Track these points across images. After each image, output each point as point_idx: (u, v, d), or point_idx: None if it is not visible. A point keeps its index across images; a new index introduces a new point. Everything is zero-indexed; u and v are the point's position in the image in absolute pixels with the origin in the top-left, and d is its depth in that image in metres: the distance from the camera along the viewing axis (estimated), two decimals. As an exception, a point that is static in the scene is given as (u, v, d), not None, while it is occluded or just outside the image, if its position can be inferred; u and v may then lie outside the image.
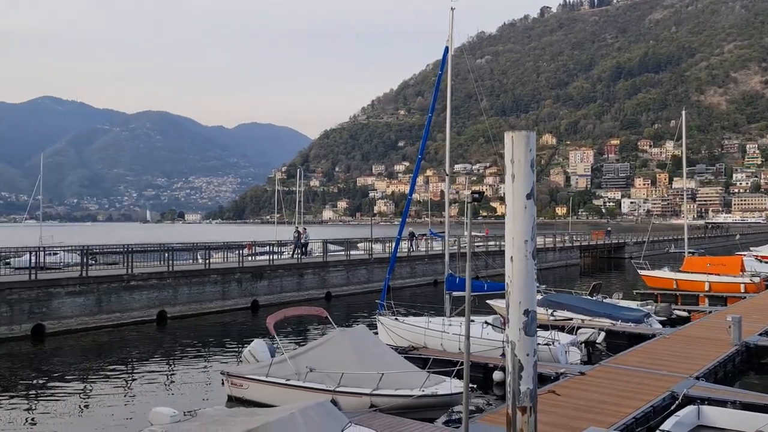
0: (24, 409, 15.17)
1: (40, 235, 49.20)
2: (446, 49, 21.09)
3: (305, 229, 40.52)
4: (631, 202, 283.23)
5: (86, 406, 15.42)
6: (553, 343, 16.81)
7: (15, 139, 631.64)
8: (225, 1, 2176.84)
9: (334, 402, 11.81)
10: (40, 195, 57.97)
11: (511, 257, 7.93)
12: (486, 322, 18.08)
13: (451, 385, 12.92)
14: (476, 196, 9.60)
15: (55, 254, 32.35)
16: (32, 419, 14.37)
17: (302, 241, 38.08)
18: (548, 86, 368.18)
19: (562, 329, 18.75)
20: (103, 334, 24.24)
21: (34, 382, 17.72)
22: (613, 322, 21.85)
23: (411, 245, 43.04)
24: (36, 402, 15.78)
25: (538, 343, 10.28)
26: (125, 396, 16.29)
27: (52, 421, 14.22)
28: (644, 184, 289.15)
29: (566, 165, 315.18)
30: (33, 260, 25.44)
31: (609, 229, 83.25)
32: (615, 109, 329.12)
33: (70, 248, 33.12)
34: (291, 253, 38.54)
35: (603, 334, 19.95)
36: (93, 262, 28.85)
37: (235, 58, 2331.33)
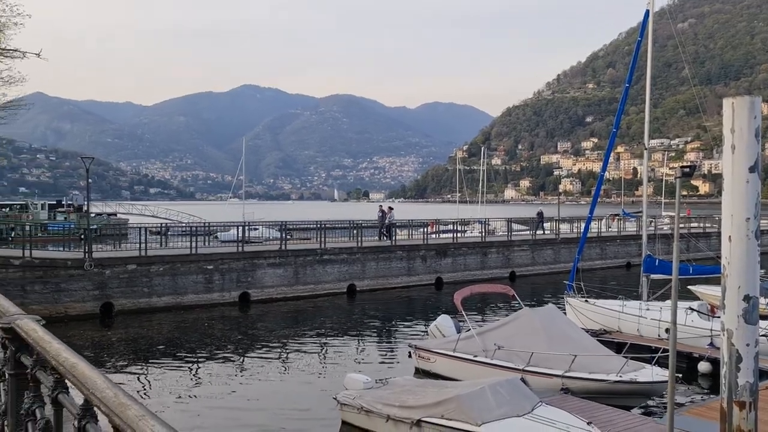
0: (233, 366, 16.78)
1: (243, 211, 53.97)
2: (647, 13, 19.57)
3: (390, 208, 34.58)
4: None
5: (286, 369, 16.65)
6: (772, 336, 15.05)
7: (221, 125, 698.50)
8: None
9: (523, 381, 11.59)
10: (243, 175, 63.49)
11: (729, 237, 7.18)
12: (691, 308, 16.68)
13: (653, 373, 12.09)
14: (687, 170, 8.77)
15: (255, 229, 35.27)
16: (240, 375, 15.82)
17: (387, 221, 33.01)
18: (765, 49, 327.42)
19: (783, 320, 16.72)
20: (300, 304, 26.02)
21: (242, 343, 19.50)
22: None
23: (538, 227, 39.31)
24: (242, 361, 17.36)
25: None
26: (320, 361, 17.36)
27: (256, 378, 15.56)
28: None
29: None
30: (240, 234, 28.03)
31: None
32: None
33: (270, 224, 35.87)
34: (378, 234, 33.41)
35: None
36: (289, 237, 30.99)
37: (416, 40, 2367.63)
